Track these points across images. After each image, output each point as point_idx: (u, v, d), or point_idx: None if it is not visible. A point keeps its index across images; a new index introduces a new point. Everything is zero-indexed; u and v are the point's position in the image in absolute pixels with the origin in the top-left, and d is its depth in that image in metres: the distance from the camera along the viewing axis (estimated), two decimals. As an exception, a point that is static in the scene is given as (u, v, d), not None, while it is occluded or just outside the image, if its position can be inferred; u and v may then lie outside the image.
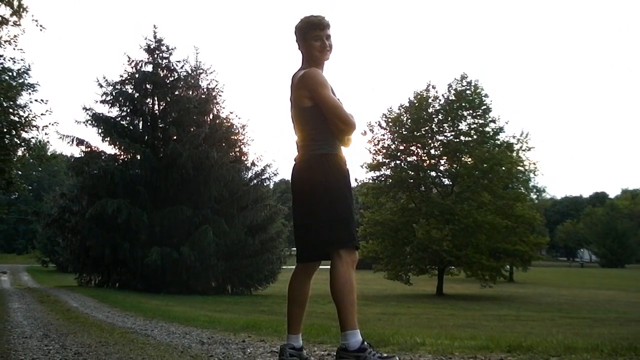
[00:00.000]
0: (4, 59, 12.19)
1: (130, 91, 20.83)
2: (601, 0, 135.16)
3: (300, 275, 2.89)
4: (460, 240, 22.81)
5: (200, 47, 48.90)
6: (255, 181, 21.87)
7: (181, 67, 21.26)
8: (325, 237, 2.72)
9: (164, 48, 20.94)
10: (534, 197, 39.67)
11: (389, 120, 25.60)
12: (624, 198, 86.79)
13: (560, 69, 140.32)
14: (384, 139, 25.90)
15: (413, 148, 25.68)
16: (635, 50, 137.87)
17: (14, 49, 12.41)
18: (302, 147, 2.88)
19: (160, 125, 21.05)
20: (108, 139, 19.77)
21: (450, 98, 24.93)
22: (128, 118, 21.07)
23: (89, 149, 20.21)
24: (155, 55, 20.92)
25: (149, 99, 21.01)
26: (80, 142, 19.78)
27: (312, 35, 2.86)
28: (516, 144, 25.28)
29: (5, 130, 11.54)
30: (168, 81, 21.04)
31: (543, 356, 2.98)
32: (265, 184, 22.44)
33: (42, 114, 12.39)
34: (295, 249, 2.97)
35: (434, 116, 25.23)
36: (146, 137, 20.88)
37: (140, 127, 21.20)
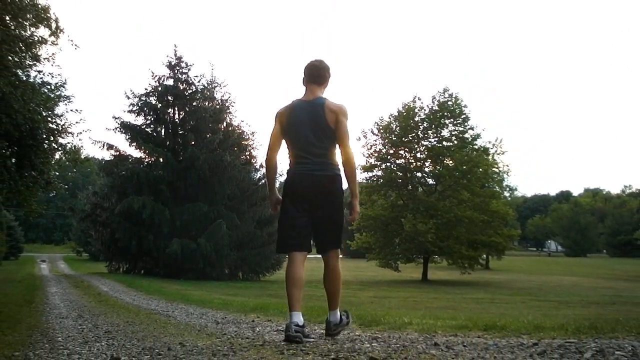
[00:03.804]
0: (44, 74, 12.16)
1: (153, 102, 20.86)
2: (561, 7, 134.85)
3: (298, 262, 3.02)
4: (442, 232, 22.83)
5: (215, 63, 48.85)
6: (263, 181, 21.84)
7: (198, 81, 21.34)
8: (337, 238, 3.04)
9: (183, 64, 21.00)
10: (507, 195, 39.44)
11: (380, 127, 25.62)
12: (587, 196, 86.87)
13: (531, 79, 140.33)
14: (376, 144, 25.96)
15: (401, 152, 25.71)
16: (601, 56, 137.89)
17: (52, 65, 12.45)
18: (326, 163, 2.99)
19: (180, 132, 21.08)
20: (134, 144, 19.86)
21: (434, 108, 24.93)
22: (152, 126, 21.12)
23: (118, 153, 20.28)
24: (176, 71, 20.95)
25: (170, 109, 21.06)
26: (110, 146, 19.87)
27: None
28: (491, 149, 25.36)
29: (44, 136, 11.50)
30: (187, 93, 21.05)
31: (515, 334, 2.98)
32: (272, 184, 22.43)
33: (76, 122, 12.36)
34: None
35: (419, 124, 25.24)
36: (168, 143, 20.90)
37: (163, 133, 21.23)
